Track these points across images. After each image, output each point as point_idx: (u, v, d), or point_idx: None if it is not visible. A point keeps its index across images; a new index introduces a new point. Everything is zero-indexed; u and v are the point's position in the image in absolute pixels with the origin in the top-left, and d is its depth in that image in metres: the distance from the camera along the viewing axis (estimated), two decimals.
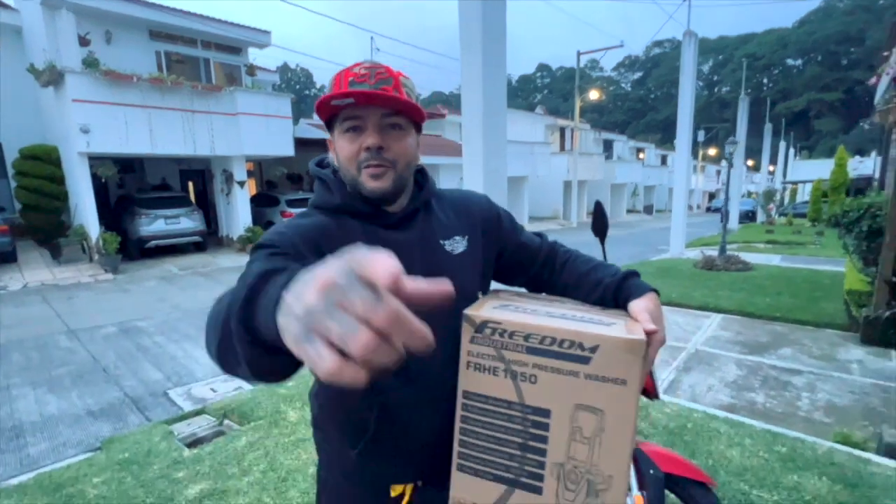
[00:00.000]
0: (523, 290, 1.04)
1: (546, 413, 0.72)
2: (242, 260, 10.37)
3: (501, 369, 0.74)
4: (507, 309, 0.80)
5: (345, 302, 0.31)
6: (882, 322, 4.30)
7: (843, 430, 2.73)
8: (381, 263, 0.33)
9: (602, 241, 1.49)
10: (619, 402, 0.68)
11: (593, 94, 21.66)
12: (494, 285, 1.00)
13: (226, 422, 3.01)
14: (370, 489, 0.86)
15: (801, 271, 7.86)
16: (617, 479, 0.70)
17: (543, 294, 1.00)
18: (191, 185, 14.56)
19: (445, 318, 0.79)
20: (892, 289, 4.28)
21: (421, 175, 0.92)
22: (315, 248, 0.75)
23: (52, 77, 8.56)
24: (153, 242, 10.07)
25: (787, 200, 29.64)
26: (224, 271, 9.24)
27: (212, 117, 10.12)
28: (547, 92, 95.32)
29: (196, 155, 10.29)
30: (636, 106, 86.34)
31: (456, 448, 0.78)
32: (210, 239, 11.57)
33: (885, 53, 3.51)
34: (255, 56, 13.76)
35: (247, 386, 3.67)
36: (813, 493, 2.04)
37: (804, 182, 30.84)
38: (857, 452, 2.38)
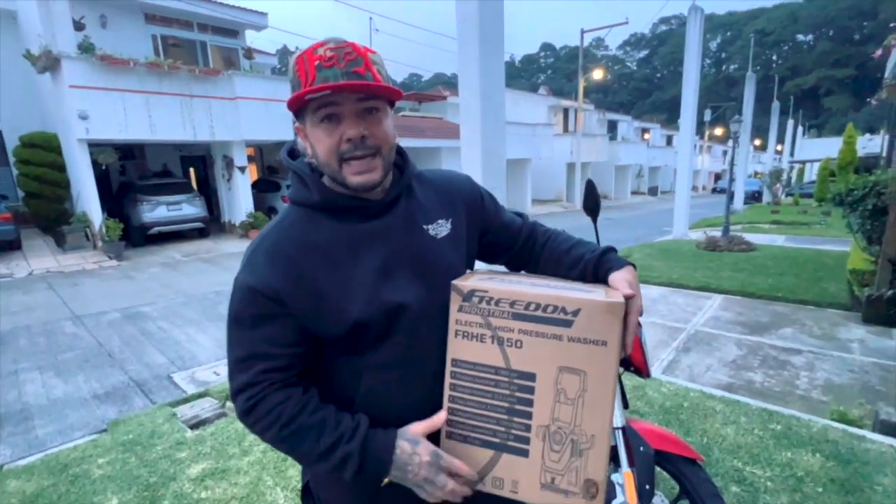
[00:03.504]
0: (504, 269, 1.05)
1: (531, 377, 0.75)
2: (245, 246, 10.42)
3: (489, 336, 0.77)
4: (493, 280, 0.83)
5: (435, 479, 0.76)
6: (884, 301, 4.27)
7: (840, 407, 2.74)
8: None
9: (594, 220, 1.48)
10: (601, 363, 0.72)
11: (597, 74, 21.29)
12: (477, 265, 1.00)
13: (228, 404, 3.05)
14: None
15: (805, 251, 7.81)
16: (599, 437, 0.73)
17: (523, 272, 1.02)
18: (192, 171, 14.54)
19: (436, 308, 0.81)
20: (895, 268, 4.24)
21: (399, 156, 0.88)
22: (297, 280, 0.76)
23: (49, 62, 8.50)
24: (156, 229, 10.11)
25: (793, 180, 29.26)
26: (227, 257, 9.28)
27: (210, 102, 10.05)
28: (551, 72, 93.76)
29: (196, 140, 10.25)
30: (641, 85, 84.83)
31: (445, 416, 0.80)
32: (212, 225, 11.61)
33: (893, 24, 3.40)
34: (252, 39, 13.58)
35: None
36: (805, 469, 2.06)
37: (812, 161, 30.36)
38: (851, 430, 2.39)
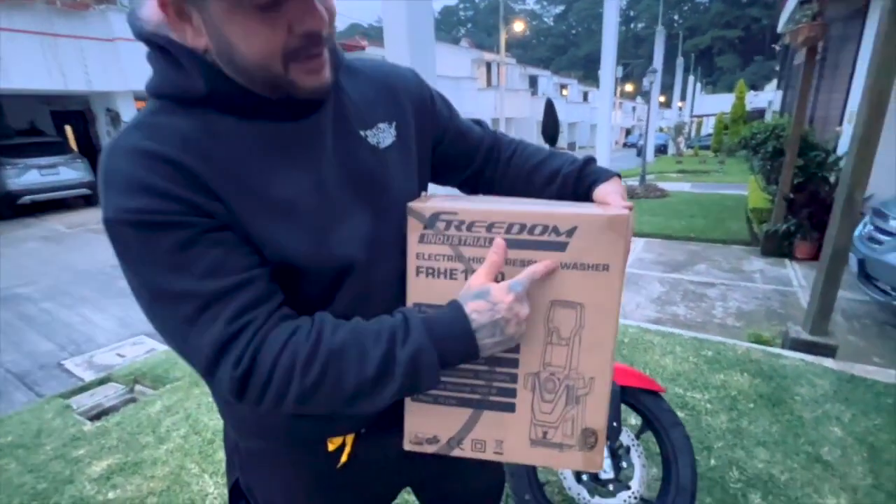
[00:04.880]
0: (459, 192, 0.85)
1: None
2: None
3: (460, 270, 0.61)
4: (460, 200, 0.65)
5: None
6: (779, 235, 4.76)
7: (755, 330, 3.01)
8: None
9: (553, 146, 1.33)
10: (602, 292, 0.59)
11: (518, 26, 21.13)
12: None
13: (137, 387, 2.66)
14: (300, 448, 0.68)
15: (709, 196, 8.54)
16: (599, 379, 0.62)
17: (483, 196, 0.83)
18: (69, 129, 12.43)
19: (389, 243, 0.59)
20: (790, 204, 4.71)
21: None
22: (203, 188, 0.49)
23: None
24: (28, 198, 8.58)
25: (693, 134, 31.90)
26: None
27: (82, 43, 8.47)
28: (471, 26, 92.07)
29: (68, 91, 8.68)
30: (559, 42, 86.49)
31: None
32: None
33: None
34: None
35: (160, 346, 3.27)
36: (737, 388, 2.21)
37: (708, 116, 33.22)
38: (769, 349, 2.62)
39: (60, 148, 9.33)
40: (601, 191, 0.68)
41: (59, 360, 3.24)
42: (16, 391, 2.83)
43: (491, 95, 21.21)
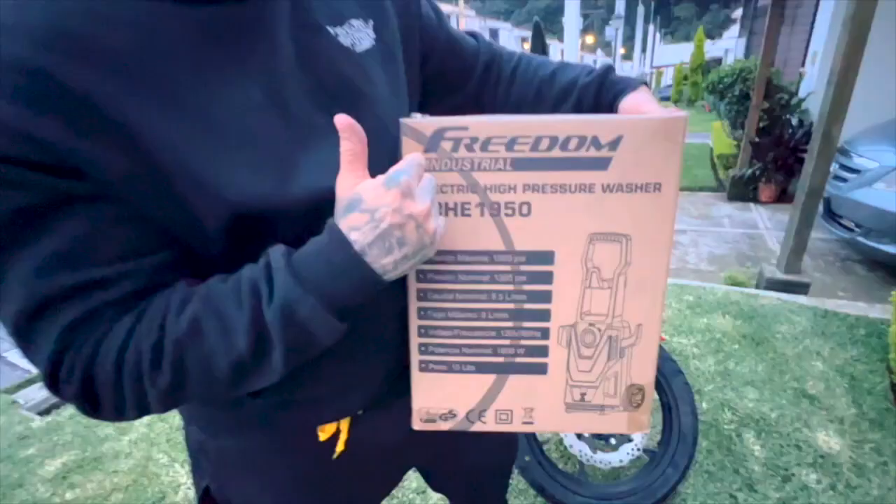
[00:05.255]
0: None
1: (548, 257, 0.50)
2: None
3: (474, 204, 0.48)
4: (466, 117, 0.49)
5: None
6: (745, 180, 4.84)
7: (729, 273, 3.06)
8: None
9: None
10: (652, 219, 0.48)
11: None
12: None
13: None
14: (286, 441, 0.55)
15: None
16: (648, 326, 0.52)
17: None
18: None
19: (376, 166, 0.41)
20: (755, 149, 4.76)
21: None
22: (89, 113, 0.32)
23: None
24: None
25: (654, 85, 32.07)
26: None
27: None
28: None
29: None
30: None
31: (415, 339, 0.53)
32: None
33: None
34: None
35: None
36: (721, 330, 2.23)
37: (668, 66, 33.40)
38: (747, 290, 2.66)
39: None
40: (631, 101, 0.54)
41: (1, 351, 2.95)
42: None
43: None
